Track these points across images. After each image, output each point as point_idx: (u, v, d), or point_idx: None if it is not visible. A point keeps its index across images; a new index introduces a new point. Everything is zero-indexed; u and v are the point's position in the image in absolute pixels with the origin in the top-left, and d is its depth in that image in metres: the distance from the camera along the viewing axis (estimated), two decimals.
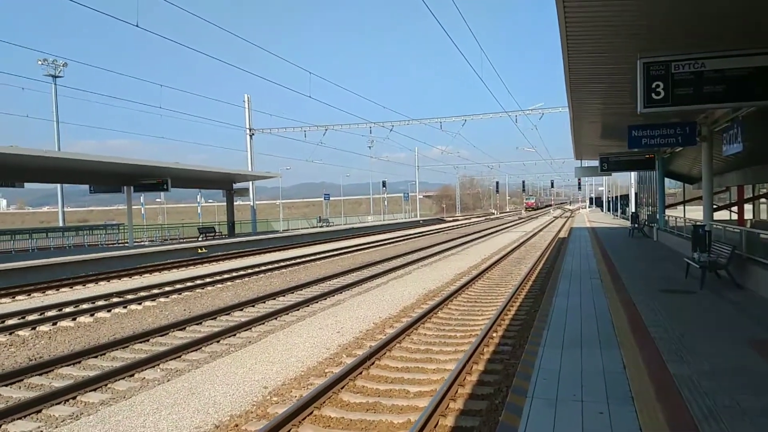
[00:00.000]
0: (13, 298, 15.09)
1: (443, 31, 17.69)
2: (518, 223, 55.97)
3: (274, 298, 13.85)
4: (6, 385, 7.52)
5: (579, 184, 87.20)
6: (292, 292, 14.71)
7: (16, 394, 7.25)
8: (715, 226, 13.58)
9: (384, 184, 76.52)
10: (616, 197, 63.06)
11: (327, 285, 15.84)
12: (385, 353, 8.41)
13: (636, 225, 27.68)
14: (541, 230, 41.40)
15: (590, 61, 10.84)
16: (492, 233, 39.99)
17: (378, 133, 71.23)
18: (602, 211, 76.18)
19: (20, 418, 6.26)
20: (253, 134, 43.24)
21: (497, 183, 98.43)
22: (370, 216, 79.08)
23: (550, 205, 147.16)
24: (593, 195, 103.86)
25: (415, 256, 23.57)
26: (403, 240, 35.67)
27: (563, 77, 11.92)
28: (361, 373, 7.50)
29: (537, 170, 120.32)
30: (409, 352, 8.59)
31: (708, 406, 4.71)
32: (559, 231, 38.83)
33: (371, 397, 6.64)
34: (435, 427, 5.65)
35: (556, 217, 70.03)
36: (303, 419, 5.93)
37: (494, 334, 9.38)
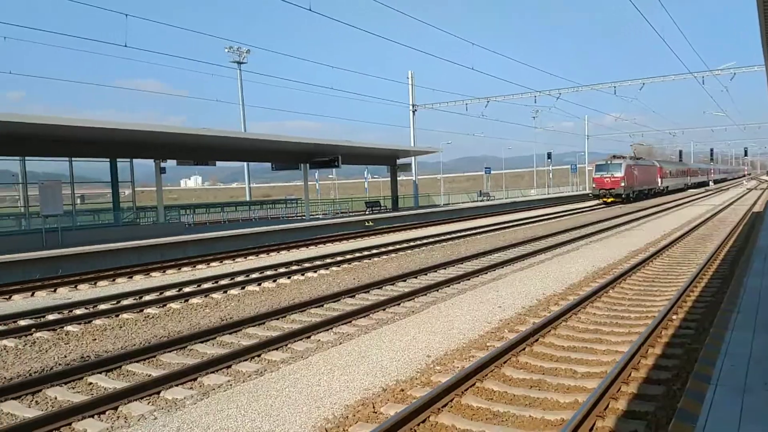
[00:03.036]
0: (208, 264, 17.28)
1: None
2: (705, 196, 49.80)
3: (435, 271, 14.09)
4: (202, 342, 8.53)
5: None
6: (453, 266, 14.82)
7: (210, 350, 8.19)
8: None
9: (549, 155, 73.11)
10: None
11: (487, 259, 15.69)
12: (549, 331, 8.11)
13: None
14: (732, 203, 36.41)
15: None
16: (673, 207, 36.11)
17: (543, 102, 67.91)
18: None
19: (213, 372, 7.00)
20: (415, 110, 43.98)
21: (680, 152, 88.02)
22: (533, 189, 76.11)
23: (725, 179, 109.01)
24: None
25: (583, 231, 22.22)
26: (570, 214, 33.84)
27: (758, 31, 10.16)
28: (524, 349, 7.32)
29: (727, 137, 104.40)
30: (577, 332, 8.18)
31: None
32: (754, 204, 33.84)
33: (535, 374, 6.47)
34: (605, 409, 5.32)
35: (749, 189, 61.05)
36: (465, 390, 5.97)
37: (674, 317, 8.52)
